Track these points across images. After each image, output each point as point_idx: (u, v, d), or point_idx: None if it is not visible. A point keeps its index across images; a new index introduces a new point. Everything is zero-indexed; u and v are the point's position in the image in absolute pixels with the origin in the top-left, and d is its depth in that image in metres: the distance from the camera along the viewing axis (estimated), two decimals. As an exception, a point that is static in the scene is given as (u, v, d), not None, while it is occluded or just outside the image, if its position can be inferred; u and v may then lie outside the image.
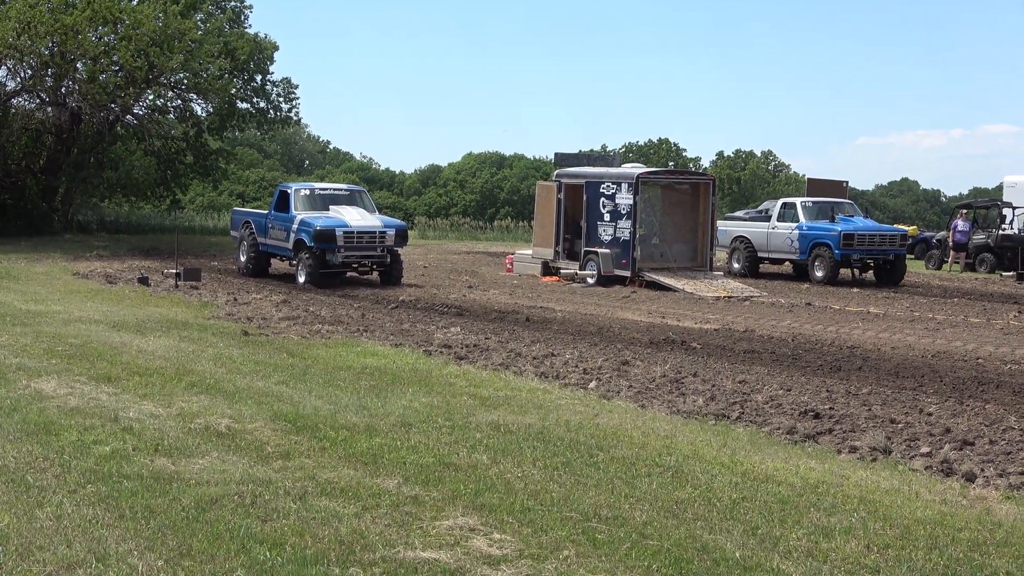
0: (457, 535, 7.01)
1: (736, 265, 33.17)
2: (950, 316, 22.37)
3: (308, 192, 27.69)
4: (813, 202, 32.94)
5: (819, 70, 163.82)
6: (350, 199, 27.86)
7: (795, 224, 31.66)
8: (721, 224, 34.82)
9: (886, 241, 30.83)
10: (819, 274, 30.43)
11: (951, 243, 38.91)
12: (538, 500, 7.83)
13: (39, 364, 12.91)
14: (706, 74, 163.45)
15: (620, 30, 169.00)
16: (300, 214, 26.37)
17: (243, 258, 28.98)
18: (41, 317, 17.67)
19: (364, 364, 13.87)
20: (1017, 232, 38.50)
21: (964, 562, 6.88)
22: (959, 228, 38.52)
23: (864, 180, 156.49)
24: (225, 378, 12.41)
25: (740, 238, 33.40)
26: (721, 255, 35.02)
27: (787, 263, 33.13)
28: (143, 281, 24.57)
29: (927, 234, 42.57)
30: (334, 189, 28.86)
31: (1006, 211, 39.74)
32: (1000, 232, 38.28)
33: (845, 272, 31.32)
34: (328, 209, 26.75)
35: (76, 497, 7.54)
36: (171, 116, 45.91)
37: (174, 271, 25.39)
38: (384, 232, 26.27)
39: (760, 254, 32.96)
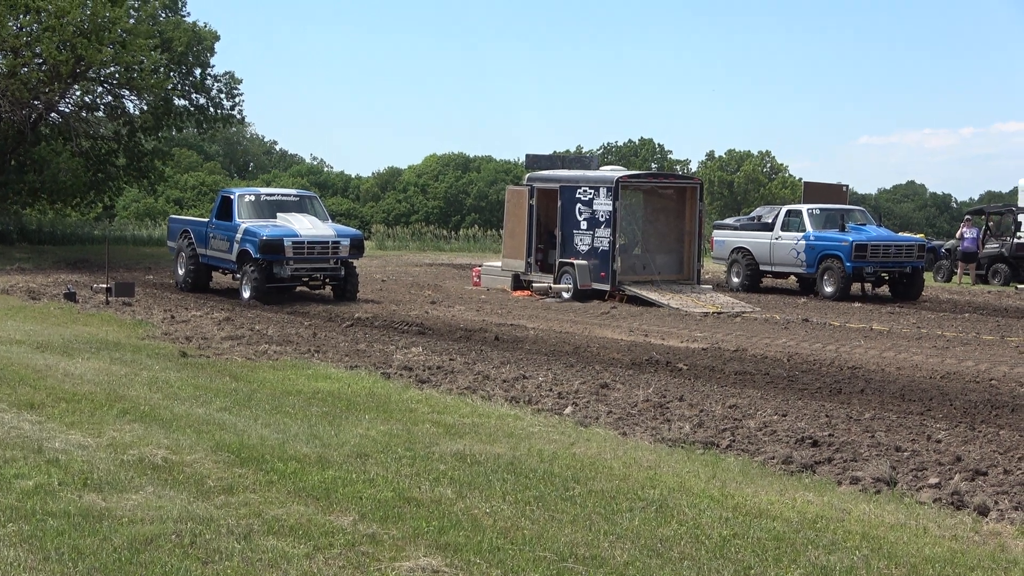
0: (419, 577, 7.02)
1: (735, 279, 33.08)
2: (960, 333, 22.50)
3: (253, 198, 27.65)
4: (821, 209, 32.73)
5: (817, 65, 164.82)
6: (300, 206, 27.83)
7: (801, 234, 31.50)
8: (718, 235, 34.96)
9: (903, 252, 30.68)
10: (829, 289, 30.25)
11: (959, 253, 39.13)
12: (508, 539, 7.84)
13: (-46, 390, 12.84)
14: (693, 69, 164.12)
15: (598, 20, 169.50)
16: (245, 222, 26.31)
17: (181, 271, 28.85)
18: (-44, 337, 17.58)
19: (316, 388, 13.86)
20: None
21: (976, 604, 6.93)
22: (967, 236, 38.69)
23: (866, 183, 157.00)
24: (161, 404, 12.37)
25: (740, 249, 33.28)
26: (718, 267, 35.13)
27: (792, 277, 33.10)
28: (70, 297, 24.48)
29: (936, 243, 42.81)
30: (282, 195, 28.83)
31: (1021, 217, 39.86)
32: (1015, 240, 38.46)
33: (856, 286, 31.31)
34: (276, 217, 26.71)
35: (-5, 538, 7.50)
36: (101, 114, 45.72)
37: (104, 286, 25.26)
38: (337, 242, 26.24)
39: (763, 267, 32.81)
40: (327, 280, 26.76)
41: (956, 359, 18.60)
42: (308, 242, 25.82)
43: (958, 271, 39.37)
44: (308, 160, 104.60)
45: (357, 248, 26.90)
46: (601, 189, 28.68)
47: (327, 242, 26.09)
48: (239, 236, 26.17)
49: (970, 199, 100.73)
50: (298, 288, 26.90)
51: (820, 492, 9.54)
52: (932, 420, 13.04)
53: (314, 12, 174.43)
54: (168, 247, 31.13)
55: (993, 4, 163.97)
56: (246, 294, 25.75)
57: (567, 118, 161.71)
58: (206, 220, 28.73)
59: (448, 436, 11.19)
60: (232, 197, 27.45)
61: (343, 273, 26.64)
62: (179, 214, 47.00)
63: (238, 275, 26.56)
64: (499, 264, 32.48)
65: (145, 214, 65.58)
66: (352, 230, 28.57)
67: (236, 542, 7.53)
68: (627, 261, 29.02)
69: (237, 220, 26.53)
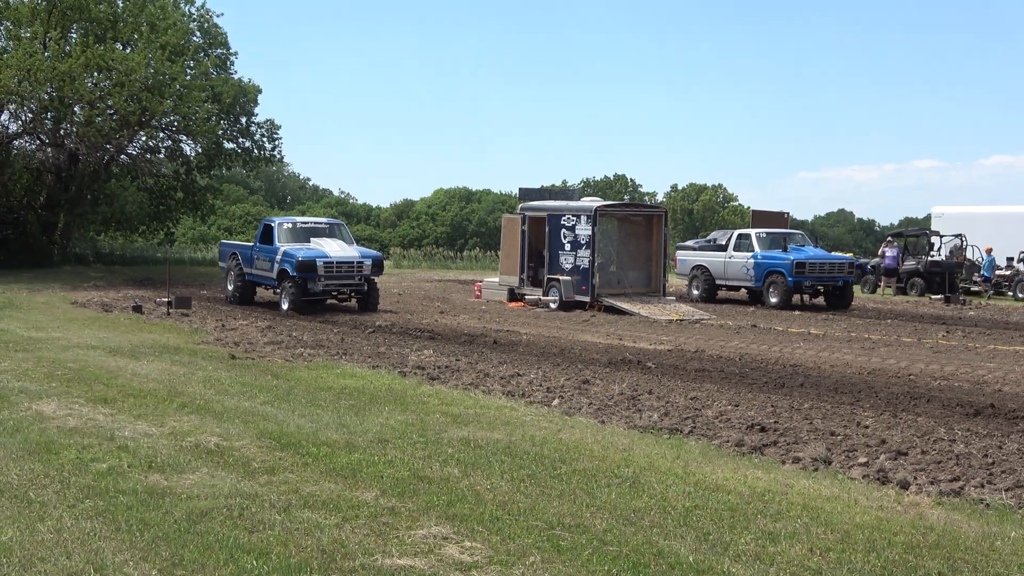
0: (431, 543, 7.00)
1: (696, 292, 33.23)
2: (884, 336, 22.49)
3: (291, 225, 27.62)
4: (767, 233, 32.98)
5: (763, 109, 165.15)
6: (330, 232, 27.83)
7: (751, 254, 31.71)
8: (681, 254, 35.11)
9: (835, 269, 30.97)
10: (773, 300, 30.47)
11: (881, 269, 39.39)
12: (506, 510, 7.82)
13: (40, 387, 12.81)
14: (660, 113, 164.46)
15: (581, 74, 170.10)
16: (283, 246, 26.30)
17: (231, 287, 28.79)
18: (42, 343, 17.54)
19: (343, 385, 13.83)
20: (944, 259, 38.90)
21: (900, 564, 6.91)
22: (888, 255, 39.04)
23: (804, 211, 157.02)
24: (214, 399, 12.35)
25: (699, 267, 33.50)
26: (681, 282, 35.19)
27: (743, 290, 33.21)
28: (137, 309, 24.44)
29: (862, 261, 42.87)
30: (315, 222, 28.78)
31: (934, 239, 40.20)
32: (929, 259, 38.67)
33: (796, 297, 31.40)
34: (309, 241, 26.73)
35: (75, 511, 7.48)
36: (162, 155, 45.75)
37: (166, 300, 25.27)
38: (361, 262, 26.24)
39: (718, 281, 33.00)
40: (353, 294, 26.71)
41: (881, 358, 18.58)
42: (337, 262, 25.80)
43: (881, 284, 39.51)
44: (336, 193, 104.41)
45: (378, 267, 26.87)
46: (582, 217, 28.67)
47: (352, 262, 26.07)
48: (279, 257, 26.14)
49: (891, 224, 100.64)
50: (328, 301, 26.85)
51: (767, 470, 9.52)
52: (861, 409, 13.02)
53: (342, 69, 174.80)
54: (220, 267, 31.03)
55: (911, 57, 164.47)
56: (285, 306, 25.73)
57: (554, 156, 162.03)
58: (251, 244, 28.66)
59: (455, 424, 11.16)
60: (273, 225, 27.41)
61: (366, 288, 26.58)
62: (229, 240, 46.89)
63: (278, 290, 26.52)
64: (497, 280, 32.43)
65: (200, 239, 65.51)
66: (374, 252, 28.51)
67: (277, 514, 7.52)
68: (604, 277, 29.00)
69: (277, 244, 26.49)
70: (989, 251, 38.58)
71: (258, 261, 27.40)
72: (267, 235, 27.23)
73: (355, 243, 28.28)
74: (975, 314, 29.71)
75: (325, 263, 25.63)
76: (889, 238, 40.69)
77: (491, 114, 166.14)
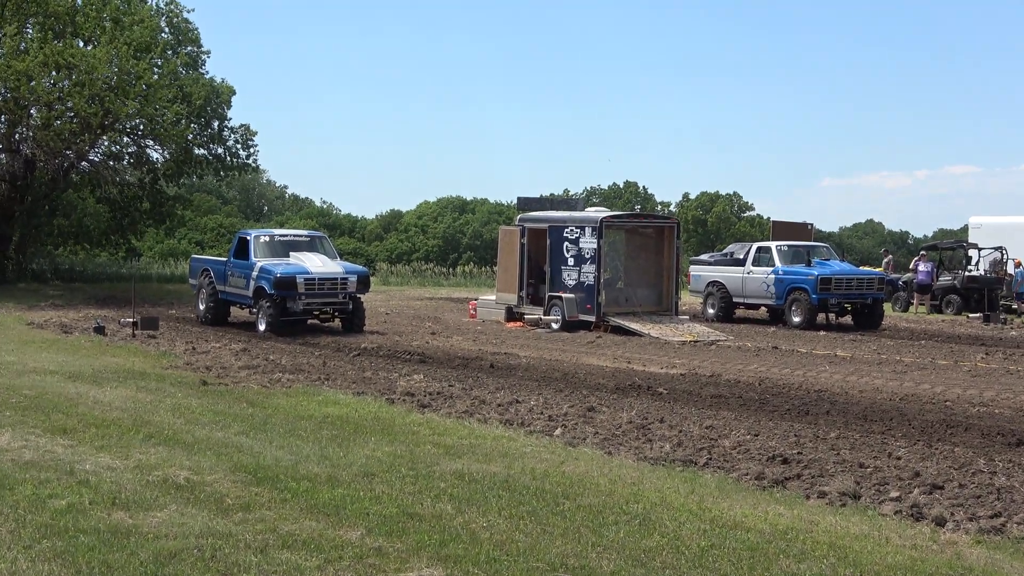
0: (422, 587, 6.99)
1: (711, 310, 33.24)
2: (917, 358, 22.52)
3: (268, 238, 27.63)
4: (788, 246, 32.93)
5: (783, 112, 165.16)
6: (311, 245, 27.82)
7: (771, 268, 31.70)
8: (695, 269, 35.10)
9: (864, 284, 30.96)
10: (796, 319, 30.42)
11: (914, 285, 39.29)
12: (504, 550, 7.82)
13: (-8, 417, 12.80)
14: (670, 116, 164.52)
15: (585, 75, 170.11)
16: (260, 261, 26.31)
17: (202, 306, 28.77)
18: (-6, 368, 17.54)
19: (326, 413, 13.84)
20: (983, 273, 38.84)
21: (935, 608, 6.91)
22: (922, 270, 38.89)
23: (829, 222, 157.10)
24: (184, 429, 12.35)
25: (715, 283, 33.47)
26: (695, 299, 35.20)
27: (763, 308, 33.21)
28: (99, 330, 24.42)
29: (893, 276, 42.93)
30: (294, 235, 28.79)
31: (972, 252, 40.04)
32: (966, 274, 38.60)
33: (821, 316, 31.37)
34: (288, 256, 26.71)
35: (31, 553, 7.47)
36: (126, 162, 45.77)
37: (131, 320, 25.24)
38: (346, 278, 26.24)
39: (736, 299, 33.02)
40: (336, 313, 26.70)
41: (914, 382, 18.60)
42: (319, 279, 25.81)
43: (914, 302, 39.45)
44: (318, 203, 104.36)
45: (364, 284, 26.87)
46: (586, 228, 28.73)
47: (336, 278, 26.08)
48: (255, 274, 26.14)
49: (924, 236, 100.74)
50: (309, 321, 26.85)
51: (790, 505, 9.53)
52: (892, 439, 13.04)
53: (322, 70, 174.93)
54: (190, 284, 30.93)
55: (946, 58, 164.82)
56: (262, 327, 25.70)
57: (556, 163, 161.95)
58: (224, 259, 28.66)
59: (448, 456, 11.16)
60: (248, 238, 27.42)
61: (351, 307, 26.58)
62: (200, 254, 46.95)
63: (254, 309, 26.50)
64: (493, 298, 32.46)
65: (168, 254, 65.46)
66: (359, 267, 28.54)
67: (253, 555, 7.51)
68: (611, 294, 29.03)
69: (253, 259, 26.49)
70: (1019, 265, 38.55)
71: (232, 278, 27.39)
72: (242, 249, 27.21)
73: (339, 258, 28.30)
74: (1017, 334, 29.76)
75: (306, 280, 25.62)
76: (923, 251, 40.71)
77: (487, 117, 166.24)
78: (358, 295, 26.76)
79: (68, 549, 7.58)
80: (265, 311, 25.69)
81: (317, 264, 26.30)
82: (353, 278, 26.43)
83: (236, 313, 29.00)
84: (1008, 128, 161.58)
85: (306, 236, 28.92)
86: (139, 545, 7.69)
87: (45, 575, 7.02)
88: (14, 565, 7.20)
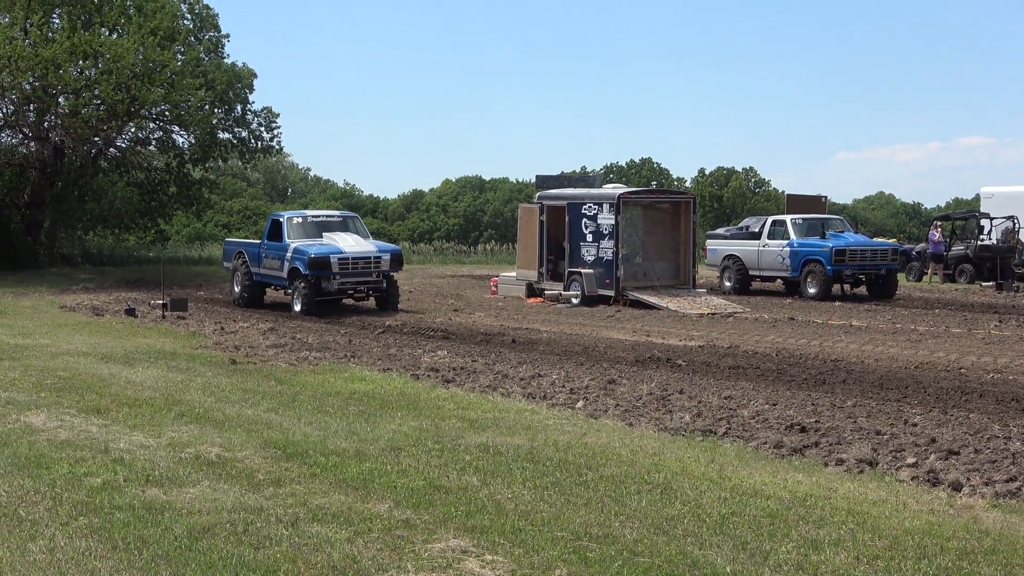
0: (449, 557, 7.01)
1: (727, 283, 33.26)
2: (932, 327, 22.44)
3: (301, 220, 27.48)
4: (803, 219, 32.88)
5: (797, 88, 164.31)
6: (343, 225, 27.61)
7: (786, 241, 31.69)
8: (711, 243, 35.07)
9: (878, 256, 30.89)
10: (812, 290, 30.42)
11: (928, 255, 39.17)
12: (529, 520, 7.83)
13: (28, 398, 12.88)
14: (685, 91, 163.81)
15: (601, 53, 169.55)
16: (294, 242, 26.16)
17: (237, 288, 28.61)
18: (29, 351, 17.63)
19: (352, 390, 13.87)
20: (995, 243, 38.66)
21: (953, 571, 6.90)
22: (935, 240, 38.74)
23: (842, 194, 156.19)
24: (214, 407, 12.40)
25: (731, 256, 33.50)
26: (711, 273, 35.16)
27: (778, 280, 33.17)
28: (130, 312, 24.52)
29: (907, 246, 42.71)
30: (327, 216, 28.54)
31: (984, 222, 39.84)
32: (978, 243, 38.45)
33: (836, 287, 31.28)
34: (321, 236, 26.53)
35: (68, 529, 7.52)
36: (153, 148, 45.89)
37: (161, 302, 25.30)
38: (379, 257, 26.10)
39: (752, 272, 33.02)
40: (371, 292, 26.58)
41: (928, 351, 18.54)
42: (352, 258, 25.67)
43: (928, 271, 39.27)
44: (341, 184, 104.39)
45: (397, 262, 26.69)
46: (604, 205, 28.68)
47: (370, 257, 25.94)
48: (289, 255, 26.00)
49: (937, 206, 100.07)
50: (344, 300, 26.78)
51: (809, 473, 9.51)
52: (908, 406, 13.00)
53: (343, 50, 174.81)
54: (224, 267, 30.68)
55: (957, 30, 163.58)
56: (297, 307, 25.58)
57: (574, 141, 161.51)
58: (258, 242, 28.47)
59: (472, 430, 11.18)
60: (282, 220, 27.32)
61: (385, 285, 26.43)
62: (227, 236, 47.04)
63: (289, 290, 26.41)
64: (514, 274, 32.48)
65: (196, 237, 65.65)
66: (392, 246, 28.36)
67: (284, 529, 7.54)
68: (629, 269, 29.01)
69: (287, 240, 26.35)
70: None
71: (266, 260, 27.25)
72: (275, 231, 27.11)
73: (371, 237, 28.19)
74: (1030, 302, 29.60)
75: (340, 259, 25.51)
76: (936, 222, 40.50)
77: (506, 96, 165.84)
78: (392, 273, 26.62)
79: (104, 525, 7.63)
80: (300, 292, 25.54)
81: (350, 244, 26.13)
82: (387, 257, 26.28)
83: (271, 295, 28.71)
84: (1020, 99, 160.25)
85: (338, 216, 28.69)
86: (173, 520, 7.73)
87: (83, 551, 7.06)
88: (52, 541, 7.24)
